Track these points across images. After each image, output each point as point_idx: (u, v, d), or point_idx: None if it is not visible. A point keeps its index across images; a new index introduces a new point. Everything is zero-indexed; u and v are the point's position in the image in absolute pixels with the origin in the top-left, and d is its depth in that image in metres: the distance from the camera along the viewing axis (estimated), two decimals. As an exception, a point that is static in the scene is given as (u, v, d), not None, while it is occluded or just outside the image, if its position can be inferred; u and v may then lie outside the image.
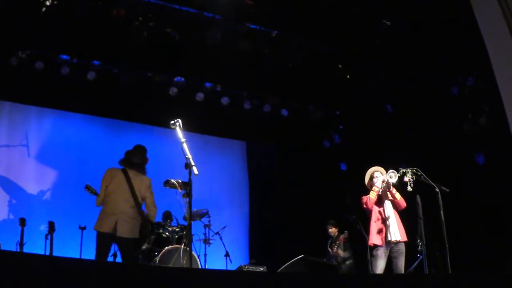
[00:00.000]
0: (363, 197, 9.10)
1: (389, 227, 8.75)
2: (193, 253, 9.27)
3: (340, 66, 13.13)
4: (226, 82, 13.42)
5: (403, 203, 8.97)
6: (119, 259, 8.92)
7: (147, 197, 8.26)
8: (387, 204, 8.95)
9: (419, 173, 8.61)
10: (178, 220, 10.49)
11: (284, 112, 14.09)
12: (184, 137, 7.20)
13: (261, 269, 10.01)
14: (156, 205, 8.48)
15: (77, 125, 12.98)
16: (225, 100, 13.50)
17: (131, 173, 8.22)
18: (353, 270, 11.64)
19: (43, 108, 12.68)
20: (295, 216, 13.98)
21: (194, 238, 10.47)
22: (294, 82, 13.31)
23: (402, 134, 12.40)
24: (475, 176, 11.08)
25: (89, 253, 10.39)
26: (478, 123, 11.21)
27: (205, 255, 11.13)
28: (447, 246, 8.06)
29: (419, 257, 8.94)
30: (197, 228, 10.93)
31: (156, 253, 9.40)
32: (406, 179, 8.56)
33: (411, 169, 8.62)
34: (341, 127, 14.75)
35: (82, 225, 10.75)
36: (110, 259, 8.79)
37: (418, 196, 8.67)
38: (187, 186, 7.03)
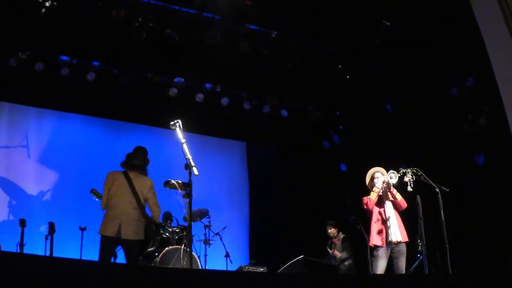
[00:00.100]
0: (364, 198, 9.10)
1: (389, 227, 8.74)
2: (193, 253, 9.27)
3: (339, 66, 13.14)
4: (226, 83, 13.42)
5: (403, 204, 8.97)
6: (118, 260, 8.92)
7: (150, 198, 8.25)
8: (388, 205, 8.94)
9: (419, 173, 8.61)
10: (178, 220, 10.49)
11: (284, 113, 14.09)
12: (184, 137, 7.19)
13: (261, 269, 10.02)
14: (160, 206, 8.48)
15: (77, 126, 12.98)
16: (224, 101, 13.49)
17: (132, 175, 8.21)
18: (353, 270, 11.63)
19: (43, 109, 12.68)
20: (295, 217, 13.98)
21: (194, 238, 10.48)
22: (294, 83, 13.32)
23: (402, 134, 12.40)
24: (475, 176, 11.08)
25: (89, 254, 10.40)
26: (478, 124, 11.21)
27: (205, 255, 11.12)
28: (447, 246, 8.06)
29: (419, 257, 8.94)
30: (197, 228, 10.94)
31: (156, 254, 9.39)
32: (406, 179, 8.56)
33: (411, 169, 8.61)
34: (340, 127, 14.75)
35: (82, 226, 10.75)
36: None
37: (418, 196, 8.67)
38: (187, 186, 7.03)
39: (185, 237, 9.12)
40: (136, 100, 12.82)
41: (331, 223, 12.18)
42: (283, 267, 9.21)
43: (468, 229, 10.58)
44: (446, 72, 11.59)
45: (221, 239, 11.67)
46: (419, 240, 8.59)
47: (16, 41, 11.30)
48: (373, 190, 9.02)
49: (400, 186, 8.80)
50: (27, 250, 9.94)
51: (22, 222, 10.00)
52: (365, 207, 9.05)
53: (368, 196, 9.02)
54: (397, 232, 8.73)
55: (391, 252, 8.80)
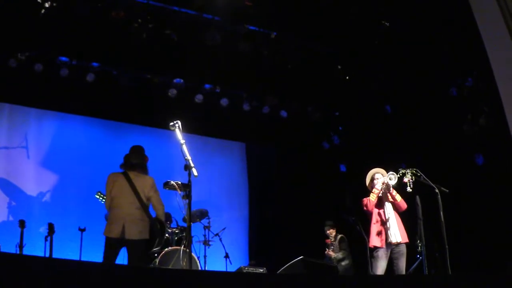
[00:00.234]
0: (364, 199, 9.10)
1: (389, 228, 8.74)
2: (193, 254, 9.26)
3: (339, 67, 13.14)
4: (225, 84, 13.43)
5: (403, 205, 8.96)
6: (118, 261, 8.91)
7: (152, 196, 8.21)
8: (387, 206, 8.94)
9: (418, 174, 8.61)
10: (177, 221, 10.48)
11: (284, 113, 14.09)
12: (183, 138, 7.19)
13: (261, 270, 10.00)
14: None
15: (76, 127, 12.98)
16: (224, 102, 13.50)
17: (132, 175, 8.19)
18: (350, 271, 11.61)
19: (43, 110, 12.67)
20: (294, 217, 13.98)
21: (194, 239, 10.46)
22: (293, 83, 13.32)
23: (401, 135, 12.40)
24: (474, 177, 11.08)
25: (89, 255, 10.42)
26: (478, 124, 11.21)
27: (205, 256, 11.13)
28: (446, 246, 8.06)
29: (418, 257, 8.94)
30: (196, 229, 10.94)
31: (155, 255, 9.39)
32: (405, 180, 8.56)
33: (410, 170, 8.61)
34: (340, 128, 14.75)
35: (82, 227, 10.76)
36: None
37: (417, 197, 8.67)
38: (186, 187, 7.02)
39: (185, 238, 9.10)
40: (136, 101, 12.82)
41: (329, 223, 12.14)
42: (282, 268, 9.19)
43: (468, 230, 10.58)
44: (446, 72, 11.59)
45: (220, 240, 11.68)
46: (418, 241, 8.59)
47: (15, 42, 11.30)
48: (373, 191, 9.03)
49: (400, 187, 8.80)
50: (26, 251, 9.94)
51: (22, 223, 10.00)
52: (365, 208, 9.05)
53: (368, 198, 9.03)
54: (397, 233, 8.73)
55: (391, 253, 8.80)
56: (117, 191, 8.11)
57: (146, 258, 8.93)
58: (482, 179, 10.91)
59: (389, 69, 12.48)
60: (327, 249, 11.89)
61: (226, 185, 14.58)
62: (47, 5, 10.68)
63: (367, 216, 9.13)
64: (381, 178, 9.08)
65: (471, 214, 10.74)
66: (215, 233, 11.61)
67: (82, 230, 10.75)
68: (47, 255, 9.86)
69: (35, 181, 12.35)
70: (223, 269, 11.55)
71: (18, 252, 9.75)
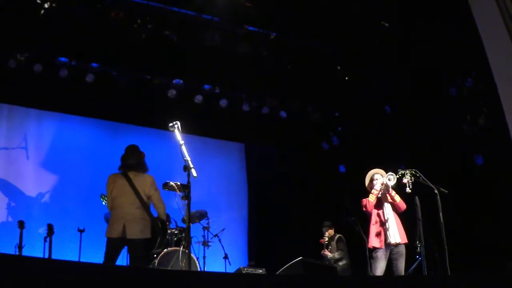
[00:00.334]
0: (363, 199, 9.11)
1: (388, 229, 8.74)
2: (192, 255, 9.26)
3: (338, 67, 13.14)
4: (225, 84, 13.42)
5: (402, 205, 8.97)
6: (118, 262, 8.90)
7: (152, 195, 8.19)
8: (387, 207, 8.94)
9: (417, 175, 8.62)
10: (177, 222, 10.48)
11: (283, 114, 14.09)
12: (182, 139, 7.19)
13: (260, 271, 9.99)
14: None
15: (75, 128, 12.96)
16: (223, 102, 13.50)
17: (132, 175, 8.19)
18: (348, 271, 11.59)
19: (42, 110, 12.65)
20: (294, 218, 13.97)
21: (193, 240, 10.45)
22: (293, 84, 13.31)
23: (400, 135, 12.40)
24: (474, 177, 11.09)
25: (88, 256, 10.42)
26: (477, 124, 11.22)
27: (204, 257, 11.12)
28: (446, 247, 8.06)
29: (418, 258, 8.94)
30: (196, 230, 10.93)
31: (155, 256, 9.39)
32: (405, 180, 8.57)
33: (409, 171, 8.62)
34: (339, 128, 14.75)
35: (81, 228, 10.75)
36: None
37: (417, 198, 8.68)
38: (185, 188, 7.02)
39: (184, 238, 9.11)
40: (135, 101, 12.81)
41: (327, 224, 12.11)
42: (282, 269, 9.19)
43: (467, 230, 10.59)
44: (445, 72, 11.59)
45: (219, 240, 11.66)
46: (418, 242, 8.60)
47: (15, 43, 11.30)
48: (372, 192, 9.03)
49: (399, 187, 8.80)
50: (25, 252, 9.92)
51: (21, 224, 9.99)
52: (364, 209, 9.06)
53: (367, 198, 9.04)
54: (396, 234, 8.73)
55: (390, 253, 8.80)
56: (118, 191, 8.11)
57: (148, 258, 8.94)
58: (482, 180, 10.91)
59: (388, 69, 12.48)
60: (323, 249, 11.86)
61: (225, 185, 14.57)
62: (46, 5, 10.67)
63: (366, 216, 9.14)
64: (380, 178, 9.09)
65: (470, 215, 10.75)
66: (214, 233, 11.60)
67: (81, 231, 10.75)
68: (46, 256, 9.86)
69: (34, 182, 12.33)
70: (222, 270, 11.54)
71: (17, 253, 9.74)
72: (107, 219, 10.19)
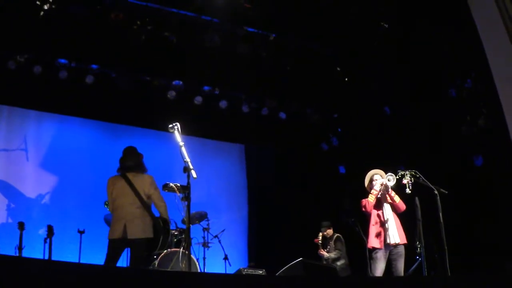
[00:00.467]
0: (363, 200, 9.12)
1: (388, 230, 8.75)
2: (192, 256, 9.26)
3: (338, 68, 13.13)
4: (224, 85, 13.42)
5: (402, 206, 8.97)
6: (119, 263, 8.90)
7: (152, 194, 8.18)
8: (386, 207, 8.94)
9: (417, 175, 8.62)
10: (177, 223, 10.48)
11: (282, 115, 14.09)
12: (182, 140, 7.19)
13: (260, 272, 10.00)
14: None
15: (75, 129, 12.97)
16: (223, 104, 13.51)
17: (131, 175, 8.18)
18: (346, 271, 11.58)
19: (42, 112, 12.66)
20: (293, 219, 13.98)
21: (193, 241, 10.44)
22: (292, 85, 13.32)
23: (400, 136, 12.40)
24: (473, 178, 11.09)
25: (88, 257, 10.41)
26: (477, 125, 11.22)
27: (204, 258, 11.13)
28: (446, 248, 8.06)
29: (418, 259, 8.94)
30: (196, 231, 10.94)
31: (155, 257, 9.39)
32: (404, 181, 8.57)
33: (409, 171, 8.62)
34: (339, 129, 14.75)
35: (81, 229, 10.76)
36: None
37: (416, 198, 8.68)
38: (185, 189, 7.02)
39: (184, 240, 9.12)
40: (135, 103, 12.81)
41: (325, 224, 12.10)
42: (281, 270, 9.19)
43: (467, 231, 10.59)
44: (445, 73, 11.60)
45: (219, 241, 11.67)
46: (417, 242, 8.59)
47: (14, 44, 11.29)
48: (371, 192, 9.04)
49: (399, 188, 8.80)
50: (25, 253, 9.92)
51: (21, 225, 9.99)
52: (364, 209, 9.07)
53: (367, 199, 9.04)
54: (396, 234, 8.74)
55: (389, 254, 8.81)
56: (117, 192, 8.11)
57: (148, 259, 8.94)
58: (481, 180, 10.91)
59: (388, 70, 12.48)
60: (320, 249, 11.84)
61: (225, 187, 14.57)
62: (46, 7, 10.67)
63: (366, 217, 9.14)
64: (379, 179, 9.10)
65: (470, 216, 10.75)
66: (214, 235, 11.61)
67: (81, 232, 10.76)
68: (46, 257, 9.86)
69: (34, 183, 12.34)
70: (222, 271, 11.55)
71: (17, 254, 9.73)
72: (107, 221, 10.20)
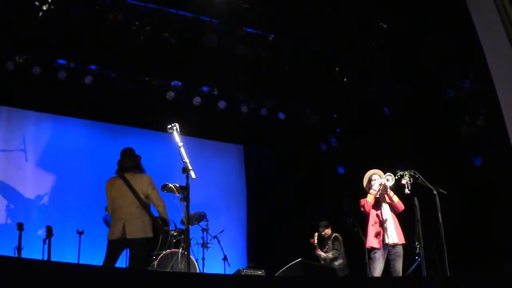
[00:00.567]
0: (361, 200, 9.13)
1: (386, 230, 8.76)
2: (191, 257, 9.25)
3: (337, 69, 13.13)
4: (223, 86, 13.43)
5: (400, 206, 8.98)
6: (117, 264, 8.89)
7: (151, 193, 8.17)
8: (385, 207, 8.95)
9: (416, 176, 8.62)
10: (176, 224, 10.47)
11: (281, 116, 14.10)
12: (181, 141, 7.19)
13: (259, 272, 10.00)
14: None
15: (74, 130, 12.96)
16: (222, 104, 13.51)
17: (129, 176, 8.18)
18: (344, 271, 11.57)
19: (40, 112, 12.66)
20: (293, 219, 13.98)
21: (192, 242, 10.44)
22: (291, 85, 13.31)
23: (399, 136, 12.40)
24: (472, 178, 11.09)
25: (87, 258, 10.41)
26: (475, 125, 11.23)
27: (203, 259, 11.13)
28: (445, 248, 8.06)
29: (417, 259, 8.93)
30: (195, 232, 10.94)
31: (154, 257, 9.39)
32: (403, 181, 8.57)
33: (408, 172, 8.62)
34: (338, 130, 14.75)
35: (80, 230, 10.75)
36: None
37: (415, 199, 8.67)
38: (184, 190, 7.02)
39: (183, 240, 9.11)
40: (134, 103, 12.82)
41: (324, 224, 12.09)
42: (281, 270, 9.19)
43: (466, 231, 10.59)
44: (443, 74, 11.60)
45: (218, 242, 11.66)
46: (417, 243, 8.59)
47: (13, 45, 11.30)
48: (370, 192, 9.04)
49: (398, 188, 8.80)
50: (24, 254, 9.91)
51: (20, 226, 9.98)
52: (362, 209, 9.08)
53: (365, 199, 9.05)
54: (394, 234, 8.74)
55: (388, 254, 8.81)
56: (116, 193, 8.11)
57: (147, 259, 8.93)
58: (480, 181, 10.92)
59: (387, 71, 12.49)
60: (317, 249, 11.82)
61: (224, 187, 14.57)
62: (45, 7, 10.66)
63: (365, 217, 9.15)
64: (378, 179, 9.11)
65: (469, 216, 10.75)
66: (213, 235, 11.60)
67: (80, 233, 10.75)
68: (45, 258, 9.86)
69: (33, 184, 12.33)
70: (221, 271, 11.54)
71: (16, 255, 9.73)
72: (106, 222, 10.20)
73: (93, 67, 12.34)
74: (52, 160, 12.54)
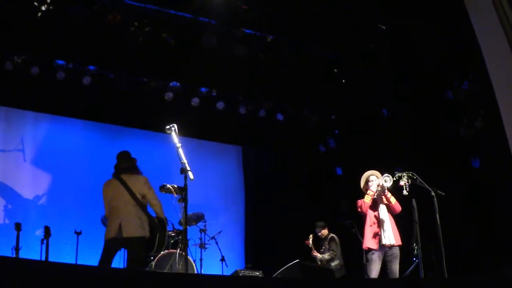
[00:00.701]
0: (358, 200, 9.13)
1: (383, 231, 8.76)
2: (189, 257, 9.25)
3: (335, 70, 13.14)
4: (222, 87, 13.43)
5: (398, 207, 8.99)
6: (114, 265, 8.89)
7: (147, 193, 8.19)
8: (382, 208, 8.95)
9: (414, 177, 8.62)
10: (173, 225, 10.47)
11: (280, 117, 14.10)
12: (179, 142, 7.20)
13: (257, 273, 10.00)
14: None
15: (72, 130, 12.95)
16: (220, 105, 13.51)
17: (125, 177, 8.20)
18: (341, 271, 11.56)
19: (39, 113, 12.64)
20: (291, 220, 13.97)
21: (190, 242, 10.47)
22: (290, 87, 13.32)
23: (397, 138, 12.40)
24: (470, 180, 11.09)
25: (85, 258, 10.39)
26: (474, 127, 11.23)
27: (201, 259, 11.12)
28: (443, 249, 8.06)
29: (415, 261, 8.94)
30: (193, 232, 10.93)
31: (151, 258, 9.38)
32: (401, 183, 8.56)
33: (406, 173, 8.62)
34: (336, 131, 14.76)
35: (78, 230, 10.74)
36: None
37: (413, 200, 8.68)
38: (182, 191, 7.03)
39: (181, 241, 9.11)
40: (132, 104, 12.82)
41: (320, 224, 12.09)
42: (278, 271, 9.19)
43: (464, 233, 10.59)
44: (442, 75, 11.61)
45: (216, 243, 11.65)
46: (414, 244, 8.60)
47: (12, 45, 11.29)
48: (367, 193, 9.05)
49: (396, 190, 8.80)
50: (22, 254, 9.90)
51: (18, 226, 9.96)
52: (359, 210, 9.08)
53: (363, 199, 9.05)
54: (391, 236, 8.74)
55: (384, 255, 8.81)
56: (113, 193, 8.13)
57: (145, 260, 8.93)
58: (478, 182, 10.92)
59: (385, 72, 12.49)
60: (313, 250, 11.82)
61: (222, 188, 14.56)
62: (43, 8, 10.66)
63: (362, 218, 9.15)
64: (376, 180, 9.12)
65: (467, 217, 10.76)
66: (211, 236, 11.60)
67: (78, 233, 10.74)
68: (43, 258, 9.84)
69: (31, 184, 12.31)
70: (219, 272, 11.53)
71: (14, 255, 9.71)
72: (104, 222, 10.19)
73: (91, 67, 12.34)
74: (50, 160, 12.53)
